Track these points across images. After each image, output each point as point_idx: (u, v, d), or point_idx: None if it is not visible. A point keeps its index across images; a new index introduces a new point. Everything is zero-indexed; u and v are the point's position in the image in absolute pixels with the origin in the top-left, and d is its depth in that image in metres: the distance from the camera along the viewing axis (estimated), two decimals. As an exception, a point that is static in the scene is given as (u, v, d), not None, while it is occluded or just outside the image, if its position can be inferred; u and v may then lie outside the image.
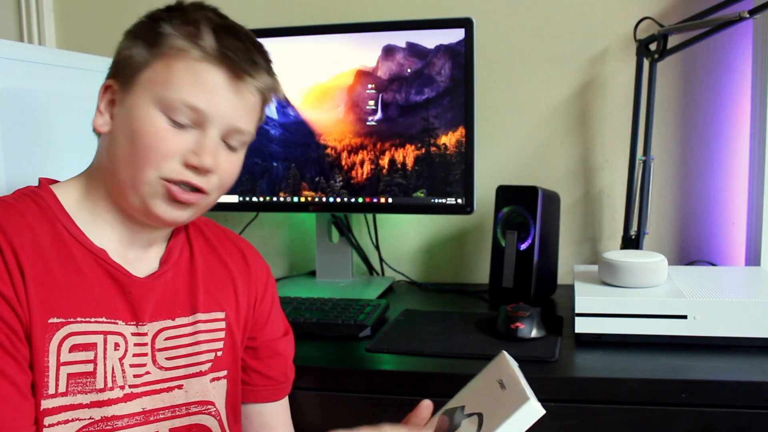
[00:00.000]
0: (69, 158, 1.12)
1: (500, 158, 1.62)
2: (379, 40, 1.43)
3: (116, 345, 0.82)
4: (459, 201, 1.43)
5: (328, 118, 1.48)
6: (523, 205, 1.38)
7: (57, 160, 1.20)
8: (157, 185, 0.81)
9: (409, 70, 1.43)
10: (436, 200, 1.44)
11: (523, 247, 1.38)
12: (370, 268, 1.68)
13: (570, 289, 1.25)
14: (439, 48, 1.40)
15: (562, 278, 1.51)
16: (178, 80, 0.80)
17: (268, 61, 0.87)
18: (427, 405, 0.89)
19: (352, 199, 1.48)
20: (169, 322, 0.87)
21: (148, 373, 0.85)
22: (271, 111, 1.50)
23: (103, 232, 0.85)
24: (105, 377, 0.81)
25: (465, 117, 1.40)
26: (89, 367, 0.80)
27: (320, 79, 1.47)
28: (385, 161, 1.45)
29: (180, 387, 0.87)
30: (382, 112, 1.45)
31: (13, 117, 1.12)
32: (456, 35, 1.39)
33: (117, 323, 0.83)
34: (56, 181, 0.89)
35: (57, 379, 0.78)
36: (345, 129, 1.47)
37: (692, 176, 1.55)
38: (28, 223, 0.80)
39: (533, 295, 1.36)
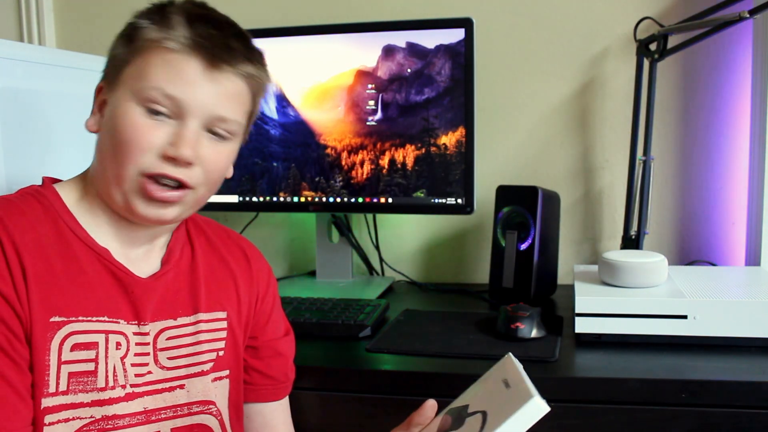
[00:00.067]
0: (69, 158, 1.12)
1: (500, 158, 1.62)
2: (379, 40, 1.43)
3: (118, 344, 0.82)
4: (459, 201, 1.43)
5: (328, 118, 1.48)
6: (523, 205, 1.38)
7: (57, 159, 1.20)
8: (136, 182, 0.80)
9: (409, 70, 1.43)
10: (436, 200, 1.44)
11: (523, 247, 1.38)
12: (370, 268, 1.68)
13: (570, 289, 1.25)
14: (439, 48, 1.40)
15: (562, 278, 1.51)
16: (154, 72, 0.80)
17: (249, 48, 0.85)
18: (431, 405, 0.89)
19: (352, 199, 1.48)
20: (170, 322, 0.88)
21: (150, 372, 0.85)
22: (271, 111, 1.50)
23: (103, 231, 0.85)
24: (106, 376, 0.81)
25: (465, 117, 1.40)
26: (91, 366, 0.80)
27: (320, 79, 1.47)
28: (385, 161, 1.45)
29: (182, 387, 0.87)
30: (382, 112, 1.45)
31: (13, 117, 1.12)
32: (456, 35, 1.39)
33: (119, 322, 0.83)
34: (60, 181, 0.89)
35: (58, 378, 0.78)
36: (345, 129, 1.47)
37: (692, 176, 1.55)
38: (30, 221, 0.80)
39: (533, 295, 1.36)
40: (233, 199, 1.54)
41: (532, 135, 1.61)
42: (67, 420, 0.78)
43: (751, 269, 1.39)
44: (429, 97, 1.42)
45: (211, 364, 0.90)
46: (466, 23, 1.38)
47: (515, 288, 1.38)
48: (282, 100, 1.49)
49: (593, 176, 1.59)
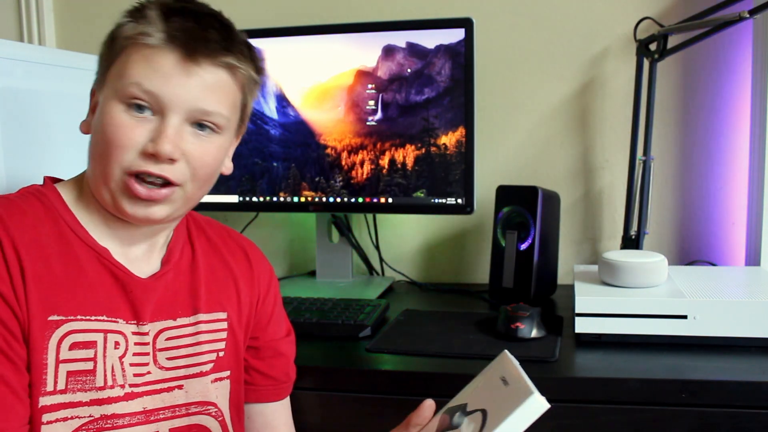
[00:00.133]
0: (69, 158, 1.12)
1: (500, 158, 1.62)
2: (379, 40, 1.43)
3: (116, 344, 0.82)
4: (459, 201, 1.43)
5: (328, 118, 1.48)
6: (523, 205, 1.38)
7: (57, 159, 1.20)
8: (121, 181, 0.80)
9: (409, 70, 1.43)
10: (436, 200, 1.44)
11: (523, 247, 1.38)
12: (370, 268, 1.68)
13: (570, 289, 1.25)
14: (439, 48, 1.40)
15: (562, 278, 1.51)
16: (133, 68, 0.79)
17: (229, 38, 0.83)
18: (429, 404, 0.89)
19: (352, 199, 1.48)
20: (170, 323, 0.87)
21: (149, 372, 0.85)
22: (271, 111, 1.50)
23: (101, 231, 0.85)
24: (105, 376, 0.81)
25: (465, 117, 1.40)
26: (89, 365, 0.80)
27: (320, 79, 1.47)
28: (385, 161, 1.45)
29: (180, 387, 0.87)
30: (382, 112, 1.45)
31: (12, 117, 1.12)
32: (456, 35, 1.39)
33: (118, 322, 0.83)
34: (61, 180, 0.89)
35: (56, 377, 0.78)
36: (345, 129, 1.47)
37: (692, 176, 1.55)
38: (30, 221, 0.80)
39: (533, 295, 1.36)
40: (233, 199, 1.54)
41: (532, 135, 1.61)
42: (65, 419, 0.78)
43: (751, 269, 1.39)
44: (429, 97, 1.42)
45: (211, 365, 0.90)
46: (466, 23, 1.38)
47: (515, 288, 1.38)
48: (282, 100, 1.49)
49: (593, 176, 1.59)
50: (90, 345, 0.80)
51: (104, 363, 0.81)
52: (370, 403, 1.07)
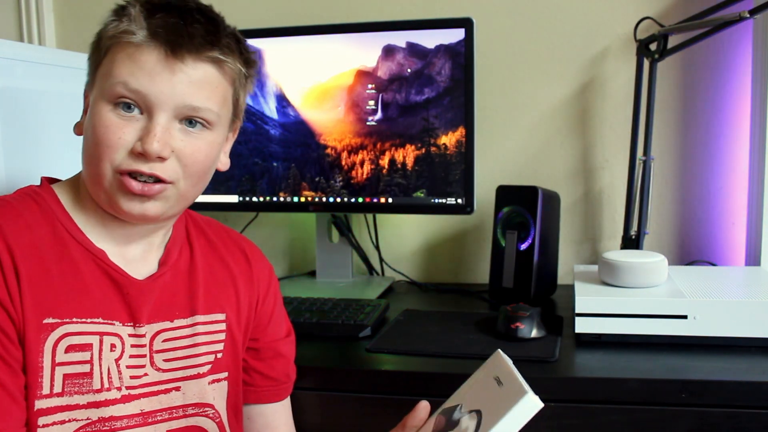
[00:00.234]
0: (68, 158, 1.12)
1: (500, 158, 1.62)
2: (379, 40, 1.43)
3: (112, 346, 0.82)
4: (459, 201, 1.43)
5: (328, 118, 1.48)
6: (523, 205, 1.38)
7: (57, 159, 1.20)
8: (114, 179, 0.80)
9: (409, 70, 1.43)
10: (436, 200, 1.44)
11: (523, 247, 1.38)
12: (370, 268, 1.68)
13: (570, 289, 1.25)
14: (439, 48, 1.40)
15: (562, 278, 1.51)
16: (118, 67, 0.79)
17: (214, 33, 0.82)
18: (424, 406, 0.89)
19: (352, 199, 1.48)
20: (167, 324, 0.87)
21: (146, 374, 0.84)
22: (271, 111, 1.50)
23: (98, 231, 0.85)
24: (101, 378, 0.80)
25: (465, 117, 1.40)
26: (86, 368, 0.80)
27: (320, 79, 1.47)
28: (385, 161, 1.45)
29: (177, 389, 0.87)
30: (382, 112, 1.45)
31: (13, 117, 1.12)
32: (456, 35, 1.39)
33: (113, 324, 0.82)
34: (58, 181, 0.89)
35: (52, 380, 0.78)
36: (345, 129, 1.47)
37: (692, 176, 1.55)
38: (27, 223, 0.80)
39: (533, 295, 1.36)
40: (233, 199, 1.54)
41: (532, 135, 1.61)
42: (62, 422, 0.78)
43: (751, 269, 1.39)
44: (429, 97, 1.42)
45: (208, 367, 0.90)
46: (466, 23, 1.38)
47: (515, 288, 1.38)
48: (282, 100, 1.49)
49: (593, 176, 1.59)
50: (86, 348, 0.80)
51: (100, 365, 0.80)
52: (370, 403, 1.07)
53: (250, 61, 0.88)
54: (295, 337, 1.05)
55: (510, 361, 0.83)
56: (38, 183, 0.88)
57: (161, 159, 0.79)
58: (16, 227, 0.79)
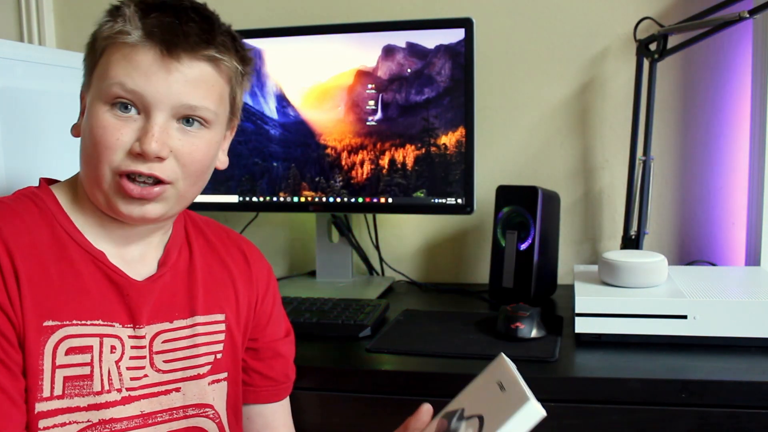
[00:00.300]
0: (68, 158, 1.12)
1: (500, 158, 1.62)
2: (379, 40, 1.43)
3: (112, 348, 0.82)
4: (459, 201, 1.43)
5: (328, 118, 1.48)
6: (523, 205, 1.38)
7: (57, 160, 1.20)
8: (113, 181, 0.80)
9: (409, 70, 1.43)
10: (436, 200, 1.44)
11: (523, 247, 1.38)
12: (370, 268, 1.68)
13: (570, 289, 1.25)
14: (439, 48, 1.40)
15: (562, 278, 1.51)
16: (114, 68, 0.79)
17: (209, 31, 0.81)
18: (427, 409, 0.88)
19: (352, 199, 1.48)
20: (166, 325, 0.87)
21: (146, 376, 0.84)
22: (271, 111, 1.50)
23: (96, 232, 0.85)
24: (102, 380, 0.80)
25: (465, 117, 1.40)
26: (86, 370, 0.79)
27: (320, 79, 1.47)
28: (385, 161, 1.45)
29: (177, 390, 0.87)
30: (382, 112, 1.45)
31: (13, 117, 1.12)
32: (456, 35, 1.39)
33: (114, 326, 0.82)
34: (57, 181, 0.89)
35: (52, 382, 0.77)
36: (345, 129, 1.47)
37: (692, 176, 1.55)
38: (26, 225, 0.80)
39: (533, 295, 1.36)
40: (233, 199, 1.54)
41: (532, 135, 1.61)
42: (63, 424, 0.78)
43: (751, 269, 1.38)
44: (429, 97, 1.42)
45: (208, 367, 0.90)
46: (466, 23, 1.38)
47: (515, 288, 1.38)
48: (282, 100, 1.49)
49: (593, 176, 1.59)
50: (86, 350, 0.80)
51: (100, 367, 0.80)
52: (370, 403, 1.07)
53: (246, 59, 0.88)
54: (295, 338, 1.05)
55: (513, 366, 0.83)
56: (37, 183, 0.88)
57: (160, 159, 0.79)
58: (16, 229, 0.79)
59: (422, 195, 1.45)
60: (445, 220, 1.66)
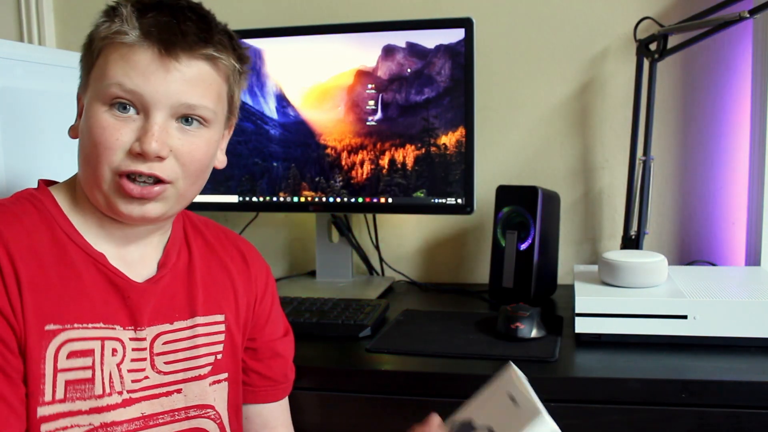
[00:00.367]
0: (68, 158, 1.12)
1: (500, 158, 1.62)
2: (379, 40, 1.43)
3: (114, 350, 0.81)
4: (459, 201, 1.43)
5: (328, 118, 1.48)
6: (523, 205, 1.38)
7: (57, 160, 1.20)
8: (113, 182, 0.80)
9: (409, 70, 1.43)
10: (436, 200, 1.44)
11: (523, 247, 1.38)
12: (370, 268, 1.68)
13: (570, 289, 1.25)
14: (439, 48, 1.40)
15: (562, 278, 1.51)
16: (112, 68, 0.79)
17: (206, 30, 0.81)
18: (437, 422, 0.88)
19: (352, 199, 1.48)
20: (167, 326, 0.87)
21: (146, 377, 0.84)
22: (271, 111, 1.50)
23: (96, 234, 0.84)
24: (103, 383, 0.80)
25: (465, 117, 1.40)
26: (88, 374, 0.79)
27: (320, 79, 1.47)
28: (385, 161, 1.45)
29: (179, 391, 0.87)
30: (382, 112, 1.45)
31: (12, 117, 1.12)
32: (456, 35, 1.39)
33: (115, 328, 0.82)
34: (55, 182, 0.89)
35: (54, 386, 0.77)
36: (345, 129, 1.47)
37: (692, 176, 1.55)
38: (26, 228, 0.80)
39: (533, 295, 1.36)
40: (233, 199, 1.54)
41: (532, 135, 1.61)
42: (65, 428, 0.78)
43: (751, 269, 1.38)
44: (429, 97, 1.42)
45: (209, 368, 0.90)
46: (466, 23, 1.38)
47: (515, 288, 1.38)
48: (282, 100, 1.49)
49: (593, 176, 1.59)
50: (88, 353, 0.79)
51: (102, 370, 0.80)
52: (370, 403, 1.07)
53: (244, 57, 0.88)
54: (295, 338, 1.05)
55: (524, 377, 0.82)
56: (36, 184, 0.87)
57: (160, 159, 0.79)
58: (16, 233, 0.78)
59: (422, 195, 1.45)
60: (445, 220, 1.66)
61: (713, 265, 1.52)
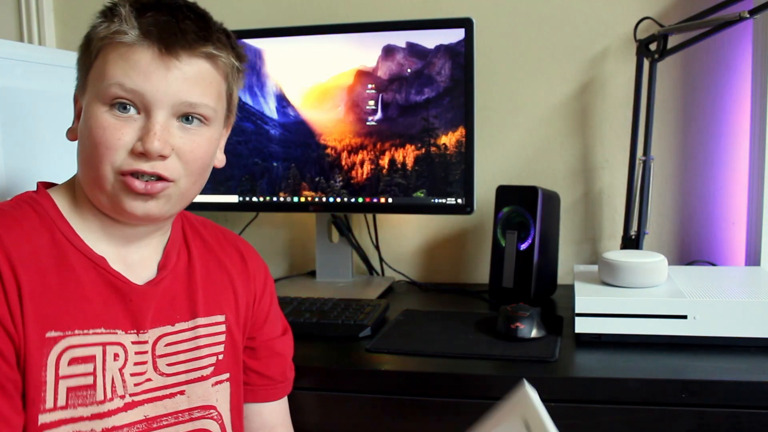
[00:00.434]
0: (68, 158, 1.12)
1: (500, 158, 1.62)
2: (379, 40, 1.43)
3: (116, 355, 0.81)
4: (459, 201, 1.43)
5: (328, 118, 1.48)
6: (523, 205, 1.38)
7: (57, 160, 1.20)
8: (116, 180, 0.79)
9: (409, 70, 1.43)
10: (436, 200, 1.44)
11: (523, 247, 1.38)
12: (370, 268, 1.68)
13: (570, 289, 1.25)
14: (439, 48, 1.40)
15: (562, 278, 1.51)
16: (111, 68, 0.79)
17: (205, 28, 0.82)
18: None
19: (352, 199, 1.48)
20: (168, 328, 0.87)
21: (149, 380, 0.84)
22: (271, 111, 1.50)
23: (96, 236, 0.84)
24: (105, 389, 0.80)
25: (465, 117, 1.40)
26: (89, 380, 0.79)
27: (320, 79, 1.47)
28: (385, 161, 1.45)
29: (182, 393, 0.87)
30: (382, 112, 1.45)
31: (12, 117, 1.12)
32: (456, 35, 1.39)
33: (116, 333, 0.82)
34: (54, 185, 0.88)
35: (56, 393, 0.77)
36: (345, 129, 1.47)
37: (692, 176, 1.55)
38: (26, 232, 0.79)
39: (533, 295, 1.36)
40: (233, 199, 1.54)
41: (532, 135, 1.61)
42: None
43: (751, 269, 1.38)
44: (429, 97, 1.42)
45: (211, 369, 0.90)
46: (466, 23, 1.38)
47: (515, 288, 1.38)
48: (282, 100, 1.49)
49: (593, 176, 1.59)
50: (89, 359, 0.79)
51: (104, 376, 0.80)
52: (370, 403, 1.07)
53: (241, 56, 0.88)
54: (295, 338, 1.05)
55: (538, 401, 0.79)
56: (36, 184, 0.87)
57: (162, 157, 0.79)
58: (16, 237, 0.78)
59: (422, 195, 1.45)
60: (445, 220, 1.66)
61: (713, 265, 1.52)
